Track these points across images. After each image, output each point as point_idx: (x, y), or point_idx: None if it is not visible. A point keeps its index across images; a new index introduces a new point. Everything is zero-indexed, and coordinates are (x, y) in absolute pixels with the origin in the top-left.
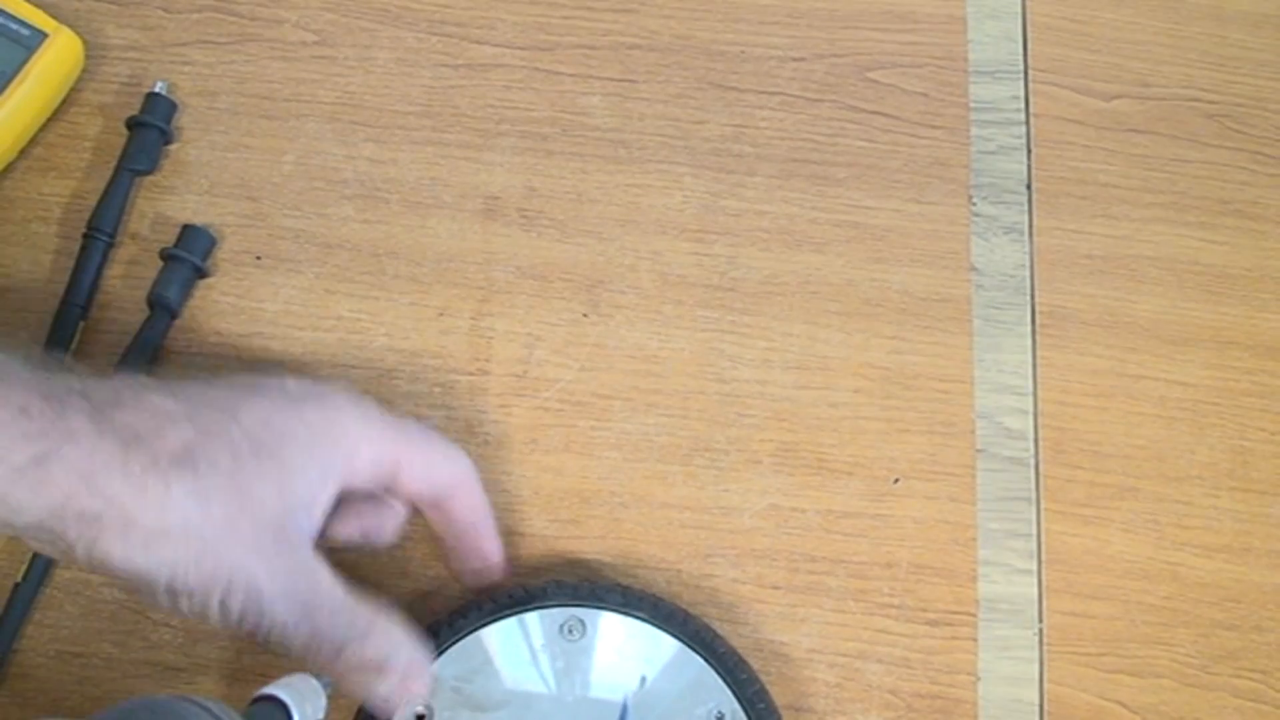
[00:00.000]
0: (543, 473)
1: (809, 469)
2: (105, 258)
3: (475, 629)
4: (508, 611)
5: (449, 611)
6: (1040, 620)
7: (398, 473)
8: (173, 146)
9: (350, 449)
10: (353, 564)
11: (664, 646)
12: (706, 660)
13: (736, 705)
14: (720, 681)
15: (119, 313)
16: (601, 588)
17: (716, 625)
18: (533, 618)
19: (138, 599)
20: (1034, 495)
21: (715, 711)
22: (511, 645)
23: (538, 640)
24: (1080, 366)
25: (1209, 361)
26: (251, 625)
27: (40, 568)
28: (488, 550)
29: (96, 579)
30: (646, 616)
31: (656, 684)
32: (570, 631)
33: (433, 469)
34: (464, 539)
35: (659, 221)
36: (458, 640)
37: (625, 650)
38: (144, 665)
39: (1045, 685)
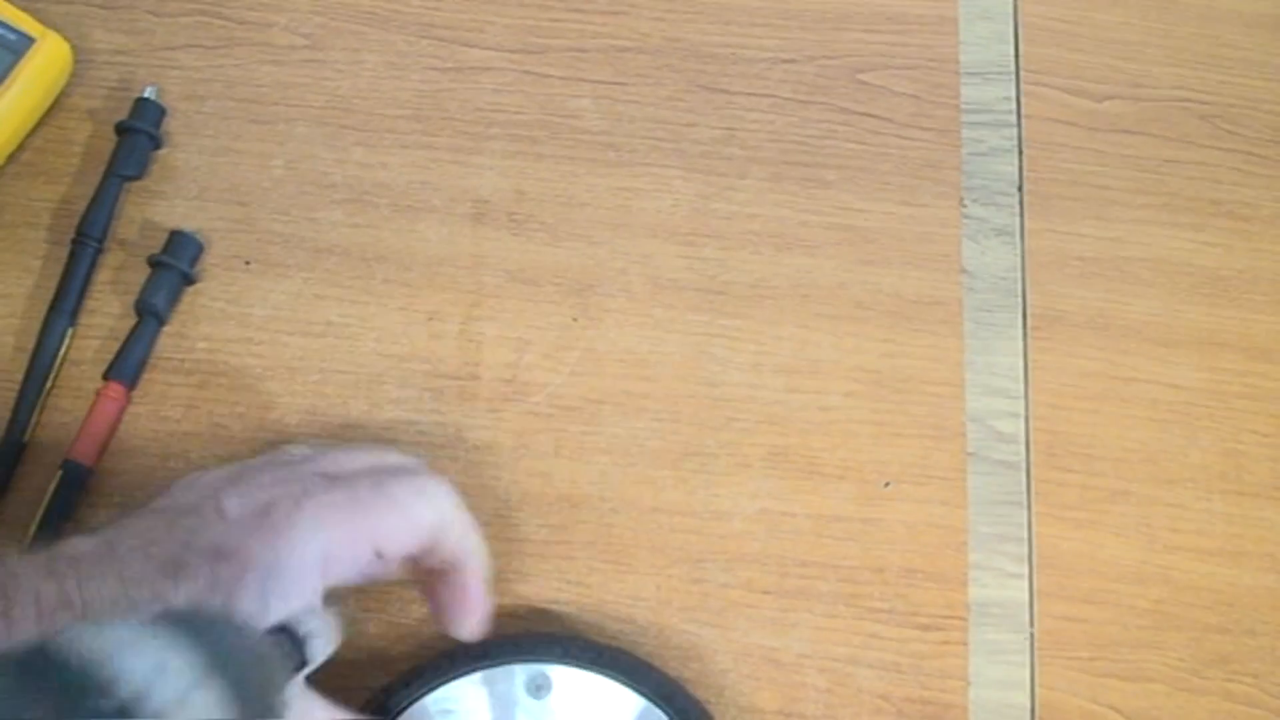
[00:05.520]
0: (532, 478)
1: (800, 473)
2: (94, 264)
3: (437, 685)
4: (468, 668)
5: (402, 671)
6: (1032, 624)
7: (377, 553)
8: (161, 151)
9: (312, 572)
10: None
11: (631, 704)
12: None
13: None
14: None
15: (107, 319)
16: (567, 641)
17: (706, 634)
18: (498, 674)
19: None
20: (1025, 499)
21: None
22: (474, 703)
23: (502, 697)
24: (1072, 369)
25: (1201, 364)
26: None
27: None
28: (474, 601)
29: None
30: (614, 673)
31: None
32: (537, 690)
33: (409, 533)
34: (448, 585)
35: (649, 225)
36: (417, 699)
37: (592, 708)
38: None
39: (1036, 690)
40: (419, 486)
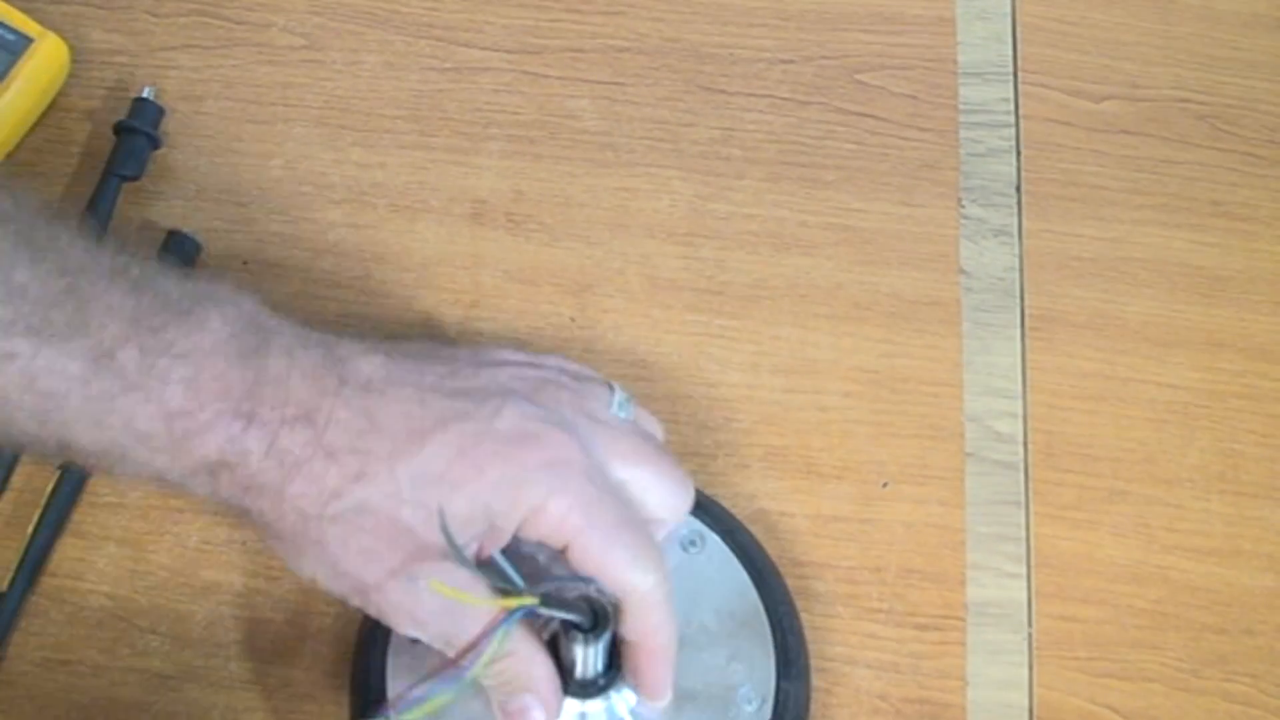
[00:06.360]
0: None
1: (798, 473)
2: None
3: None
4: None
5: None
6: (1030, 624)
7: (568, 552)
8: (160, 152)
9: (536, 506)
10: None
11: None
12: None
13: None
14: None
15: None
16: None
17: None
18: None
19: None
20: (1023, 498)
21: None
22: None
23: None
24: (1070, 369)
25: (1199, 364)
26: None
27: (26, 575)
28: (649, 681)
29: (84, 585)
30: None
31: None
32: (690, 544)
33: (604, 570)
34: (629, 656)
35: (647, 225)
36: None
37: (724, 581)
38: (131, 672)
39: (1035, 690)
40: (647, 560)
